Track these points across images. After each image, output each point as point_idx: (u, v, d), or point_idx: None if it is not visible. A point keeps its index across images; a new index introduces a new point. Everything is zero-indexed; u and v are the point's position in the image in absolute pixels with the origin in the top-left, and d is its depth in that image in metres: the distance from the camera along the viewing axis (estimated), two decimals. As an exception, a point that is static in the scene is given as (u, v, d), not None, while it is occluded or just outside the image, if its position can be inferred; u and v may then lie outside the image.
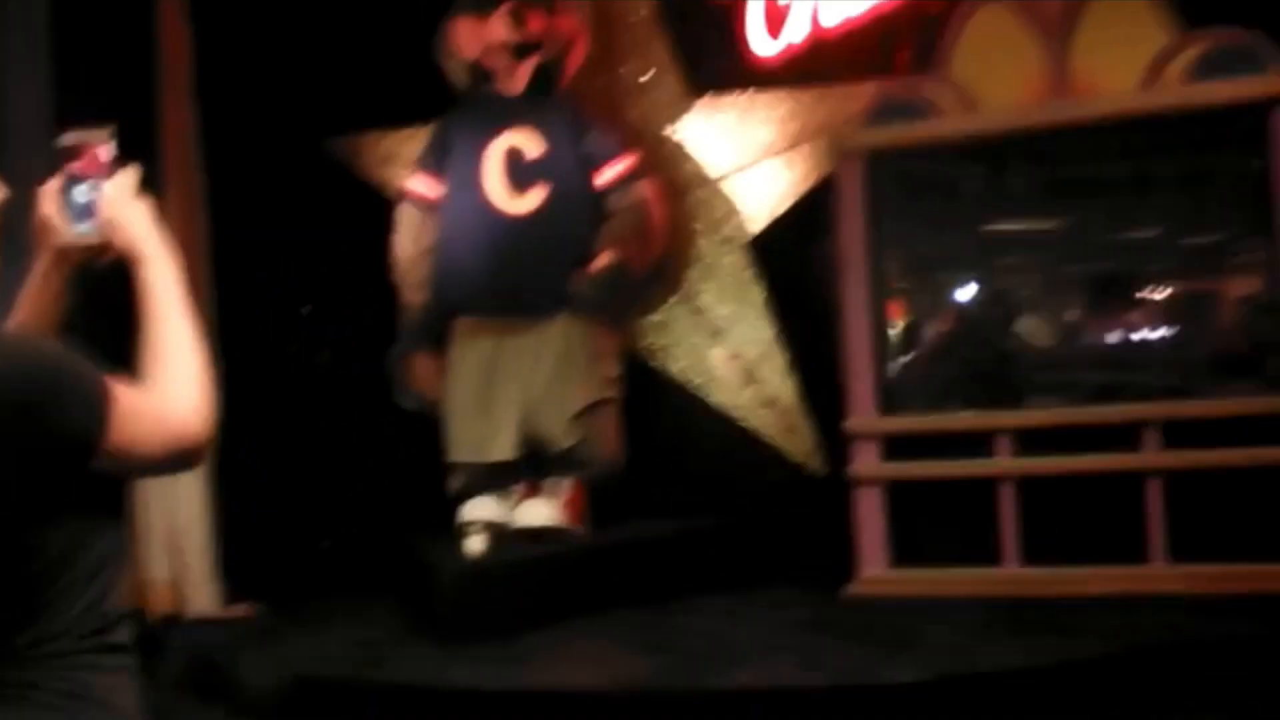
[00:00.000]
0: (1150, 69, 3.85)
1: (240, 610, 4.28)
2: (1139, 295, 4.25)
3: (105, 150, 1.55)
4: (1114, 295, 4.27)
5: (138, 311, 1.47)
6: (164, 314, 1.42)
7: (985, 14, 4.07)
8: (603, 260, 4.13)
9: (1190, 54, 3.79)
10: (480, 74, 4.32)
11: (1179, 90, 3.83)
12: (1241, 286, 4.12)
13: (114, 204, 1.46)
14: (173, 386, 1.35)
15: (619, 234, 4.20)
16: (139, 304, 1.46)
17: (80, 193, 1.50)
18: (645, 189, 4.29)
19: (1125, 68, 3.89)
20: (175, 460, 1.33)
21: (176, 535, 4.26)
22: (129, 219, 1.46)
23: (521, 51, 4.25)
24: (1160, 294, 4.28)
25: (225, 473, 4.15)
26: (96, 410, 1.22)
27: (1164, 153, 4.04)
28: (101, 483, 1.29)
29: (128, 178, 1.49)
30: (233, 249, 4.38)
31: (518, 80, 4.27)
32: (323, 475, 4.63)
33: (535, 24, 4.21)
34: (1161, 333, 4.19)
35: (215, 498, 4.28)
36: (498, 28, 4.22)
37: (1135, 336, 4.22)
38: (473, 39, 4.29)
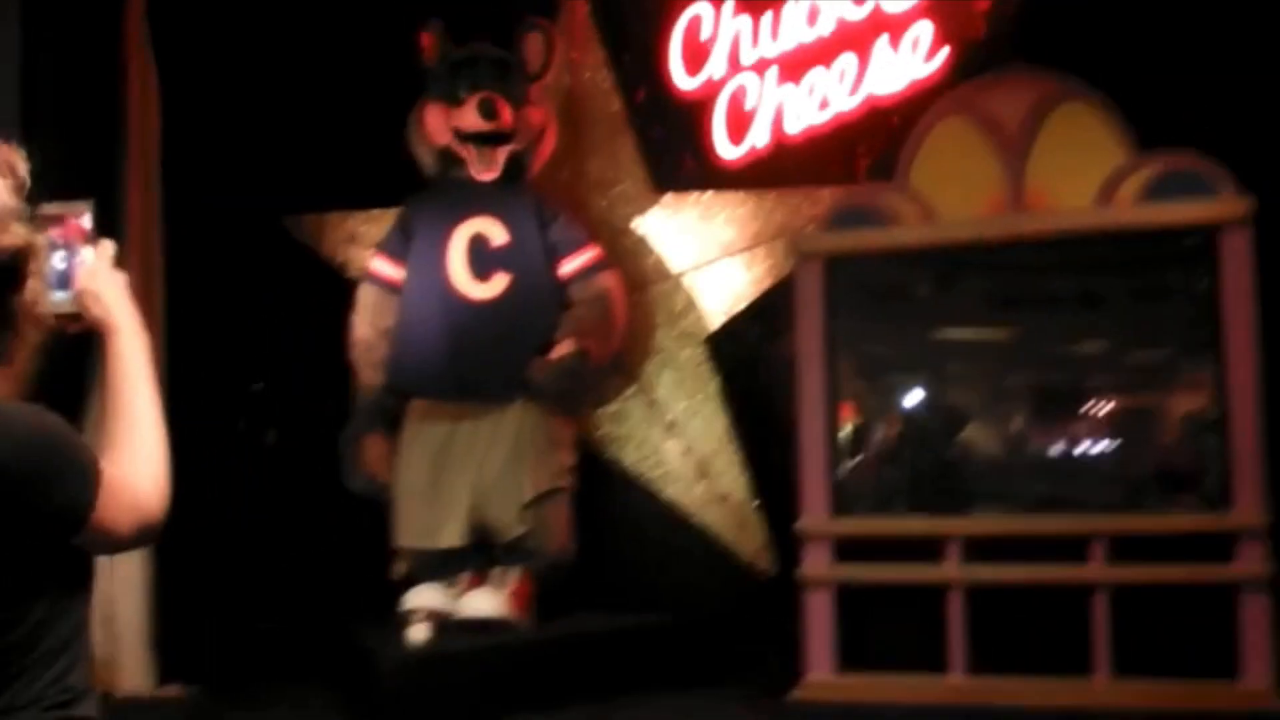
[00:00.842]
0: (1104, 188, 3.94)
1: (172, 691, 4.16)
2: (1084, 408, 4.31)
3: (84, 221, 1.55)
4: (1060, 407, 4.33)
5: (104, 382, 1.46)
6: (132, 387, 1.41)
7: (945, 127, 4.16)
8: (563, 349, 4.14)
9: (1143, 175, 3.89)
10: (449, 160, 4.35)
11: (1131, 210, 3.92)
12: (1186, 403, 4.18)
13: (91, 275, 1.45)
14: (140, 463, 1.34)
15: (581, 324, 4.22)
16: (107, 375, 1.45)
17: (58, 261, 1.49)
18: (608, 280, 4.32)
19: (1079, 185, 3.98)
20: (140, 538, 1.32)
21: (111, 611, 4.15)
22: (105, 290, 1.45)
23: (491, 140, 4.29)
24: (1105, 408, 4.34)
25: (164, 549, 4.06)
26: (89, 486, 1.22)
27: (1114, 270, 4.12)
28: (75, 554, 1.28)
29: (106, 250, 1.49)
30: (188, 324, 4.35)
31: (490, 169, 4.30)
32: (265, 556, 4.54)
33: (506, 115, 4.26)
34: (1105, 446, 4.24)
35: (153, 575, 4.19)
36: (468, 117, 4.26)
37: (1079, 449, 4.27)
38: (442, 126, 4.32)
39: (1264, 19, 3.97)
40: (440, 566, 4.16)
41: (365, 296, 4.43)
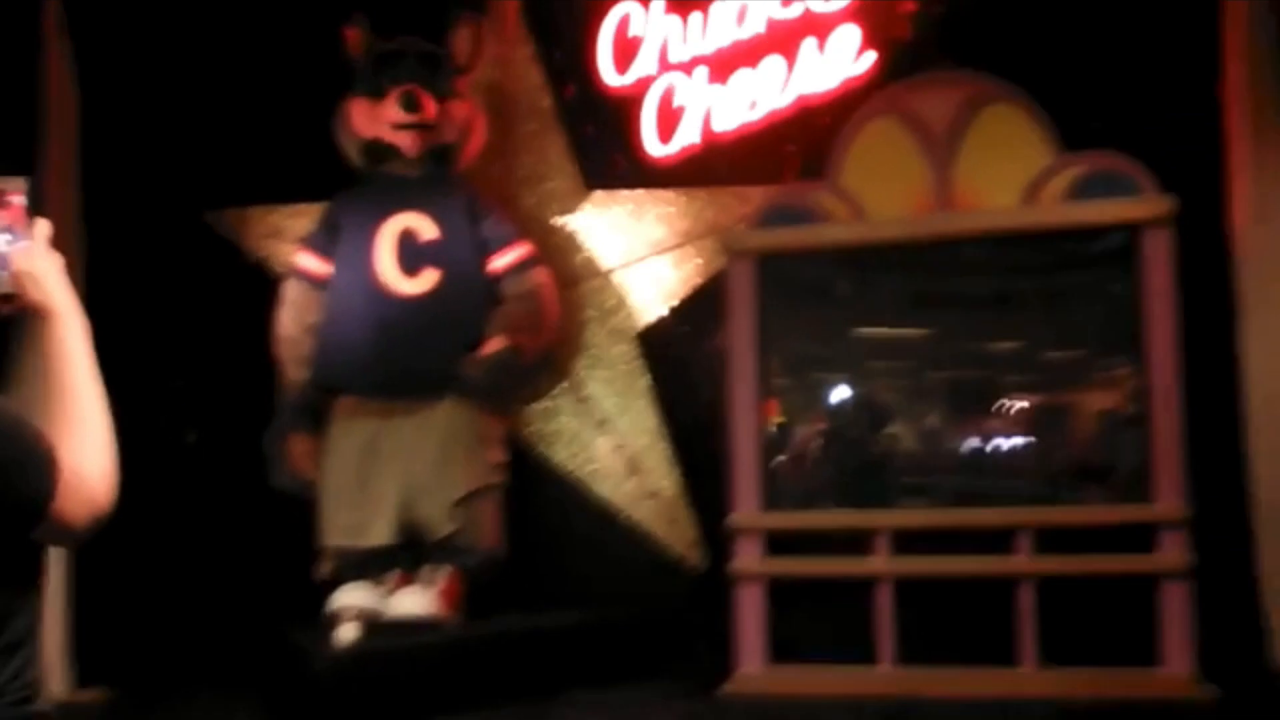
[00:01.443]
0: (1029, 188, 4.02)
1: (90, 695, 4.06)
2: (1006, 404, 4.38)
3: (18, 199, 1.50)
4: (983, 403, 4.40)
5: (44, 368, 1.41)
6: (75, 373, 1.37)
7: (874, 127, 4.21)
8: (494, 345, 4.11)
9: (1068, 175, 3.97)
10: (375, 153, 4.29)
11: (1055, 210, 4.00)
12: (1102, 400, 4.27)
13: (28, 256, 1.41)
14: (89, 451, 1.30)
15: (512, 320, 4.20)
16: (48, 361, 1.40)
17: None
18: (540, 276, 4.30)
19: (1006, 185, 4.05)
20: (91, 529, 1.28)
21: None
22: (42, 272, 1.41)
23: (413, 127, 4.24)
24: (1026, 404, 4.41)
25: (83, 549, 3.95)
26: (48, 477, 1.18)
27: (1041, 268, 4.20)
28: (29, 547, 1.23)
29: (41, 230, 1.44)
30: (107, 321, 4.23)
31: (412, 158, 4.25)
32: (187, 556, 4.45)
33: (429, 107, 4.22)
34: (1026, 441, 4.31)
35: (71, 576, 4.08)
36: (391, 110, 4.21)
37: (1002, 444, 4.34)
38: (369, 119, 4.28)
39: (1188, 21, 4.07)
40: (368, 565, 4.10)
41: (290, 292, 4.35)
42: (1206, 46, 3.99)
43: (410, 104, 4.18)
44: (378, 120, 4.25)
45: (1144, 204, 3.89)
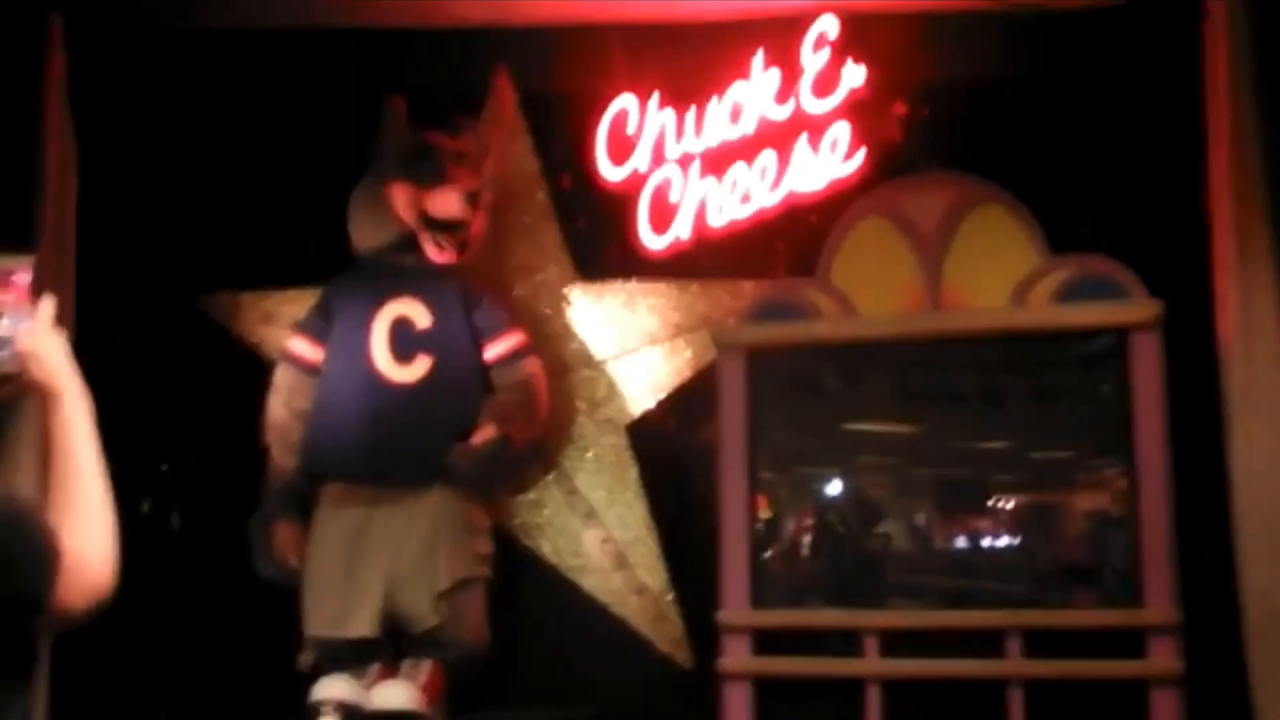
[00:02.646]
0: (1017, 289, 4.06)
1: (62, 787, 3.96)
2: (995, 504, 4.37)
3: (24, 278, 1.50)
4: (972, 503, 4.39)
5: (49, 448, 1.40)
6: (79, 454, 1.36)
7: (864, 226, 4.27)
8: (484, 434, 4.10)
9: (1056, 277, 4.02)
10: (404, 242, 4.28)
11: (1043, 311, 4.04)
12: (1090, 501, 4.27)
13: (33, 335, 1.40)
14: (92, 535, 1.29)
15: (502, 409, 4.19)
16: (53, 442, 1.39)
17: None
18: (532, 366, 4.31)
19: (994, 286, 4.10)
20: (91, 614, 1.26)
21: None
22: (46, 352, 1.40)
23: (453, 228, 4.27)
24: (1010, 504, 4.41)
25: (60, 634, 3.89)
26: (49, 569, 1.16)
27: (1027, 369, 4.22)
28: (24, 638, 1.20)
29: (46, 308, 1.44)
30: (96, 402, 4.22)
31: (446, 254, 4.27)
32: (169, 643, 4.39)
33: (483, 204, 4.25)
34: (1015, 541, 4.30)
35: (47, 662, 3.99)
36: (450, 204, 4.23)
37: (990, 543, 4.33)
38: (409, 206, 4.26)
39: (1173, 126, 4.15)
40: (350, 656, 4.04)
41: (282, 377, 4.34)
42: (1191, 151, 4.06)
43: (475, 202, 4.24)
44: (417, 208, 4.25)
45: (1132, 307, 3.93)
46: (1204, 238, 4.03)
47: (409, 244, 4.28)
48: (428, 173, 4.26)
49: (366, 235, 4.33)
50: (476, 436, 4.09)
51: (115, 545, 1.30)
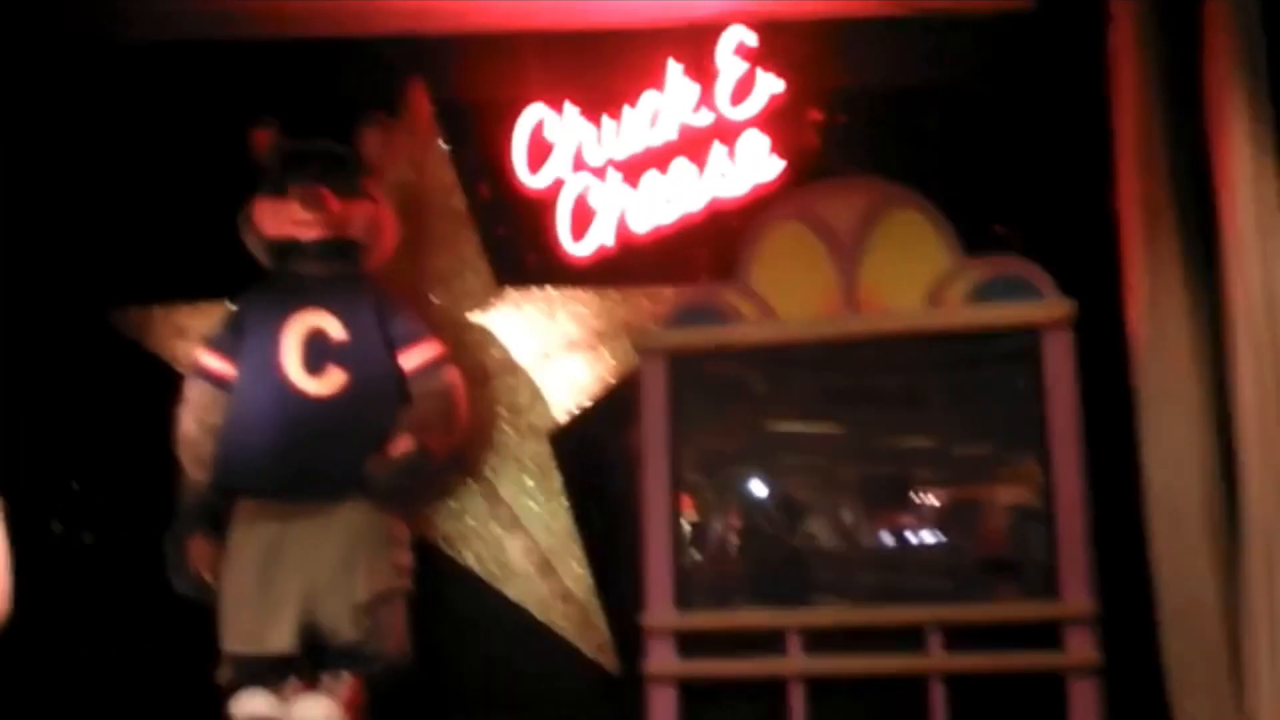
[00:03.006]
0: (932, 290, 4.12)
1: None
2: (915, 501, 4.41)
3: None
4: (892, 500, 4.43)
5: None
6: None
7: (782, 230, 4.31)
8: (402, 446, 4.06)
9: (970, 278, 4.08)
10: (281, 251, 4.25)
11: (958, 312, 4.10)
12: (1009, 496, 4.32)
13: None
14: None
15: (420, 420, 4.15)
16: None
17: None
18: (450, 376, 4.27)
19: (909, 288, 4.16)
20: None
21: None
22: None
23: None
24: (932, 500, 4.46)
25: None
26: None
27: (945, 368, 4.28)
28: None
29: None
30: (5, 420, 4.15)
31: (318, 260, 4.23)
32: (82, 662, 4.30)
33: (330, 206, 4.20)
34: (936, 537, 4.35)
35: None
36: (292, 209, 4.19)
37: (911, 540, 4.37)
38: (273, 219, 4.23)
39: (1083, 129, 4.23)
40: (268, 672, 3.97)
41: (192, 392, 4.26)
42: (1100, 153, 4.14)
43: (311, 202, 4.16)
44: (281, 219, 4.21)
45: (1044, 307, 4.01)
46: (1114, 237, 4.11)
47: (287, 254, 4.24)
48: (283, 181, 4.21)
49: (255, 252, 4.31)
50: (394, 448, 4.05)
51: (8, 575, 1.26)
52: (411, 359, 4.24)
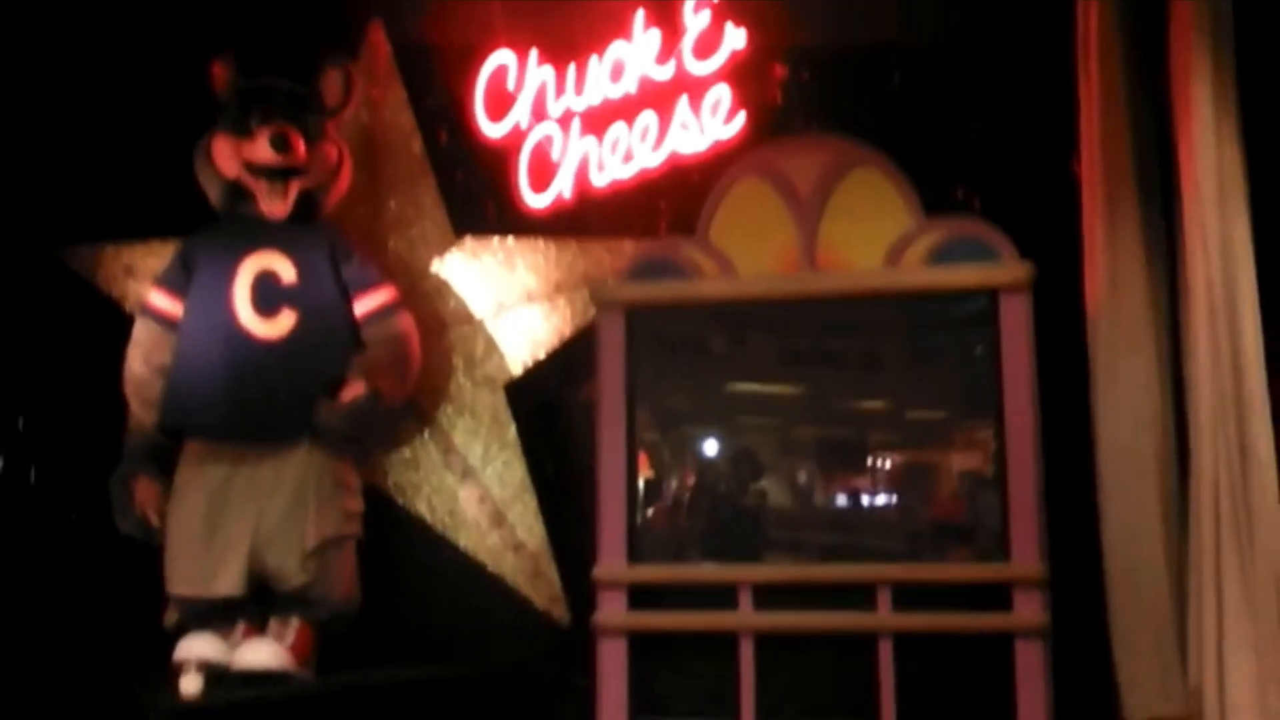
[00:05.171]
0: (891, 250, 4.10)
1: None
2: (870, 462, 4.42)
3: None
4: (847, 461, 4.44)
5: None
6: None
7: (743, 186, 4.26)
8: (354, 390, 4.01)
9: (929, 239, 4.06)
10: (237, 193, 4.19)
11: (916, 272, 4.08)
12: (964, 460, 4.34)
13: None
14: None
15: (374, 365, 4.11)
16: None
17: None
18: (404, 322, 4.23)
19: (869, 248, 4.12)
20: None
21: None
22: None
23: (282, 174, 4.16)
24: (887, 463, 4.47)
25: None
26: None
27: (907, 329, 4.27)
28: None
29: None
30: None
31: (280, 204, 4.16)
32: (27, 603, 4.25)
33: (299, 149, 4.13)
34: (890, 499, 4.36)
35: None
36: (260, 149, 4.12)
37: (865, 500, 4.38)
38: (232, 158, 4.17)
39: (1046, 92, 4.23)
40: (215, 615, 3.94)
41: (140, 332, 4.21)
42: (1063, 116, 4.14)
43: (281, 144, 4.09)
44: (240, 159, 4.14)
45: (1002, 269, 3.99)
46: (1075, 201, 4.12)
47: (239, 195, 4.18)
48: (249, 120, 4.15)
49: (207, 190, 4.24)
50: (345, 392, 4.01)
51: None
52: (365, 304, 4.19)
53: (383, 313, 4.19)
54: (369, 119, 4.56)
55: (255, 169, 4.14)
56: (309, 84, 4.30)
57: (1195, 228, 3.72)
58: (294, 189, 4.17)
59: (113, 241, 4.53)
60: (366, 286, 4.21)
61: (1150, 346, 3.94)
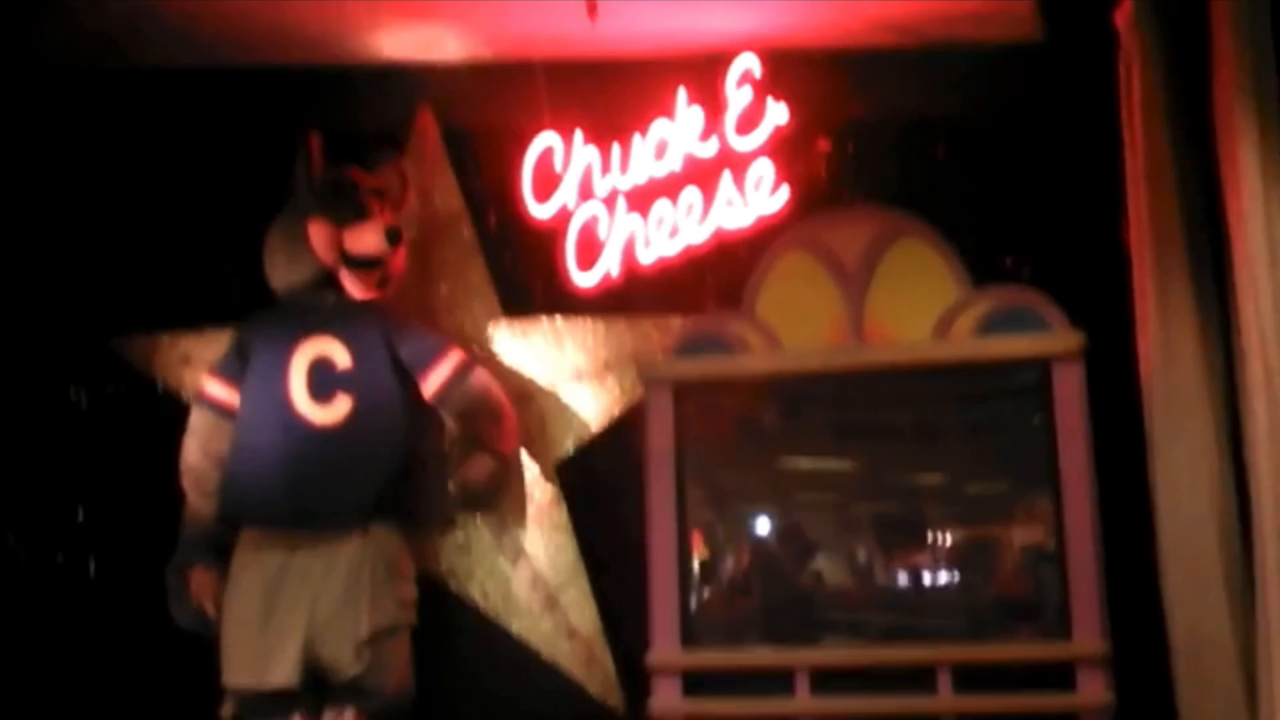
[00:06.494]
0: (940, 321, 4.07)
1: None
2: (926, 539, 4.35)
3: None
4: (904, 538, 4.37)
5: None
6: None
7: (788, 260, 4.27)
8: (481, 467, 4.12)
9: (978, 309, 4.03)
10: (325, 280, 4.21)
11: (966, 344, 4.05)
12: (1024, 535, 4.26)
13: None
14: None
15: (479, 432, 4.17)
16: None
17: None
18: (482, 377, 4.26)
19: (917, 319, 4.10)
20: None
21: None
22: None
23: (377, 265, 4.22)
24: (947, 539, 4.40)
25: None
26: None
27: (957, 402, 4.22)
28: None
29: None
30: (6, 451, 4.15)
31: (366, 291, 4.22)
32: (85, 695, 4.28)
33: (403, 240, 4.22)
34: (949, 576, 4.29)
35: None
36: (370, 241, 4.17)
37: (923, 579, 4.31)
38: (329, 246, 4.18)
39: (1093, 159, 4.19)
40: (271, 707, 3.93)
41: (197, 421, 4.25)
42: (1111, 183, 4.11)
43: (395, 238, 4.18)
44: (337, 246, 4.18)
45: (1054, 339, 3.95)
46: (1124, 268, 4.06)
47: (327, 282, 4.21)
48: (346, 209, 4.20)
49: (283, 274, 4.25)
50: (472, 471, 4.11)
51: None
52: (437, 376, 4.20)
53: (458, 378, 4.20)
54: (419, 204, 4.61)
55: (355, 259, 4.18)
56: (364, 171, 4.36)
57: (1247, 292, 3.64)
58: (375, 278, 4.23)
59: (168, 330, 4.58)
60: (431, 358, 4.21)
61: (1206, 413, 3.85)
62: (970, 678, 3.81)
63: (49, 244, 4.51)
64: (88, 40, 4.44)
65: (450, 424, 4.26)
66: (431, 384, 4.20)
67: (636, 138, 4.47)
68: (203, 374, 4.36)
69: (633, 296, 4.48)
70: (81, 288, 4.57)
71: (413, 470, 4.14)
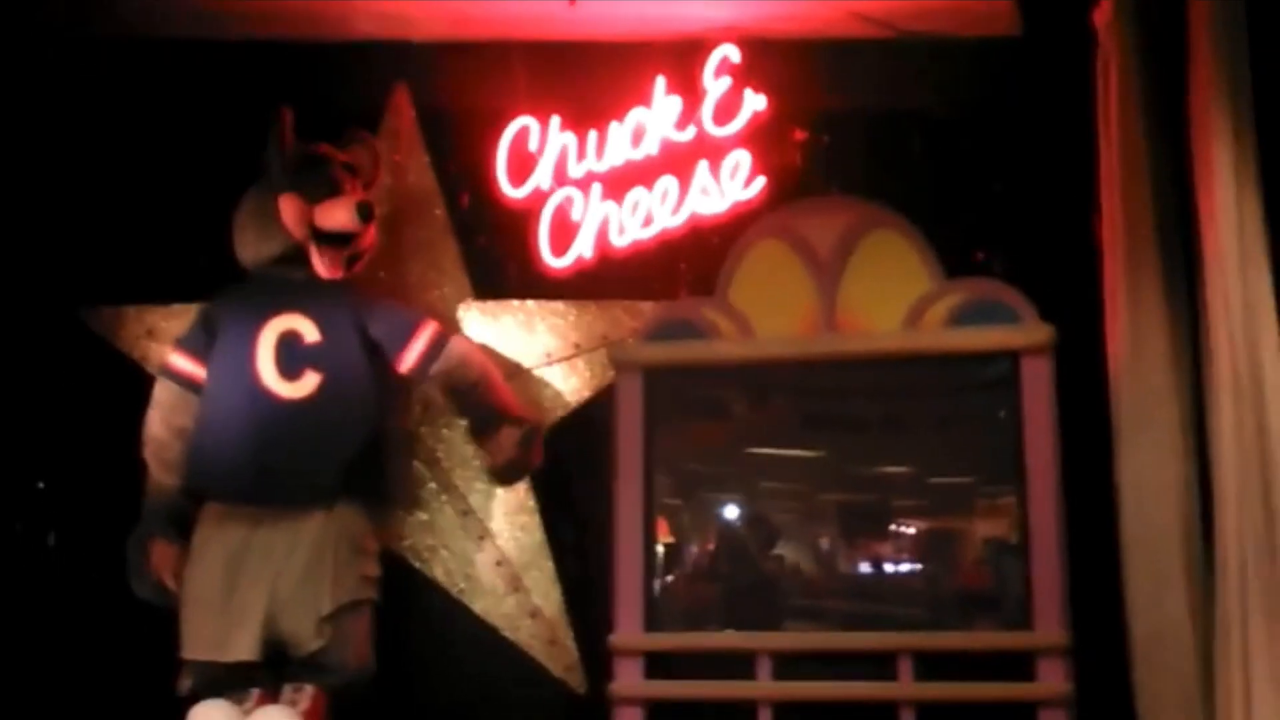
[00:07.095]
0: (911, 312, 4.08)
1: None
2: (890, 529, 4.37)
3: None
4: (868, 527, 4.38)
5: None
6: None
7: (762, 248, 4.27)
8: (511, 435, 4.09)
9: (949, 301, 4.05)
10: (294, 256, 4.18)
11: (937, 335, 4.06)
12: (988, 527, 4.28)
13: None
14: None
15: (480, 399, 4.16)
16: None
17: None
18: (461, 343, 4.26)
19: (888, 309, 4.12)
20: None
21: None
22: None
23: (347, 241, 4.19)
24: (911, 529, 4.41)
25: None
26: None
27: (929, 392, 4.24)
28: None
29: None
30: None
31: (334, 268, 4.19)
32: (43, 665, 4.25)
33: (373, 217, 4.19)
34: (912, 566, 4.30)
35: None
36: (342, 216, 4.13)
37: (886, 568, 4.32)
38: (300, 221, 4.14)
39: (1066, 153, 4.21)
40: (229, 681, 3.90)
41: (161, 393, 4.21)
42: (1083, 177, 4.13)
43: (366, 214, 4.14)
44: (307, 222, 4.14)
45: (1024, 332, 3.97)
46: (1096, 264, 4.09)
47: (297, 257, 4.18)
48: (317, 185, 4.17)
49: (253, 248, 4.21)
50: (502, 449, 4.12)
51: None
52: (413, 351, 4.18)
53: (434, 349, 4.18)
54: (392, 182, 4.59)
55: (326, 234, 4.15)
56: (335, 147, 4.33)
57: (1217, 290, 3.67)
58: (344, 255, 4.20)
59: (134, 303, 4.55)
60: (407, 333, 4.19)
61: (1173, 409, 3.88)
62: (931, 666, 3.83)
63: (18, 212, 4.46)
64: (56, 9, 4.41)
65: (441, 399, 4.26)
66: (408, 359, 4.18)
67: (614, 124, 4.46)
68: (168, 347, 4.33)
69: (605, 281, 4.47)
70: (50, 257, 4.53)
71: (379, 448, 4.13)
